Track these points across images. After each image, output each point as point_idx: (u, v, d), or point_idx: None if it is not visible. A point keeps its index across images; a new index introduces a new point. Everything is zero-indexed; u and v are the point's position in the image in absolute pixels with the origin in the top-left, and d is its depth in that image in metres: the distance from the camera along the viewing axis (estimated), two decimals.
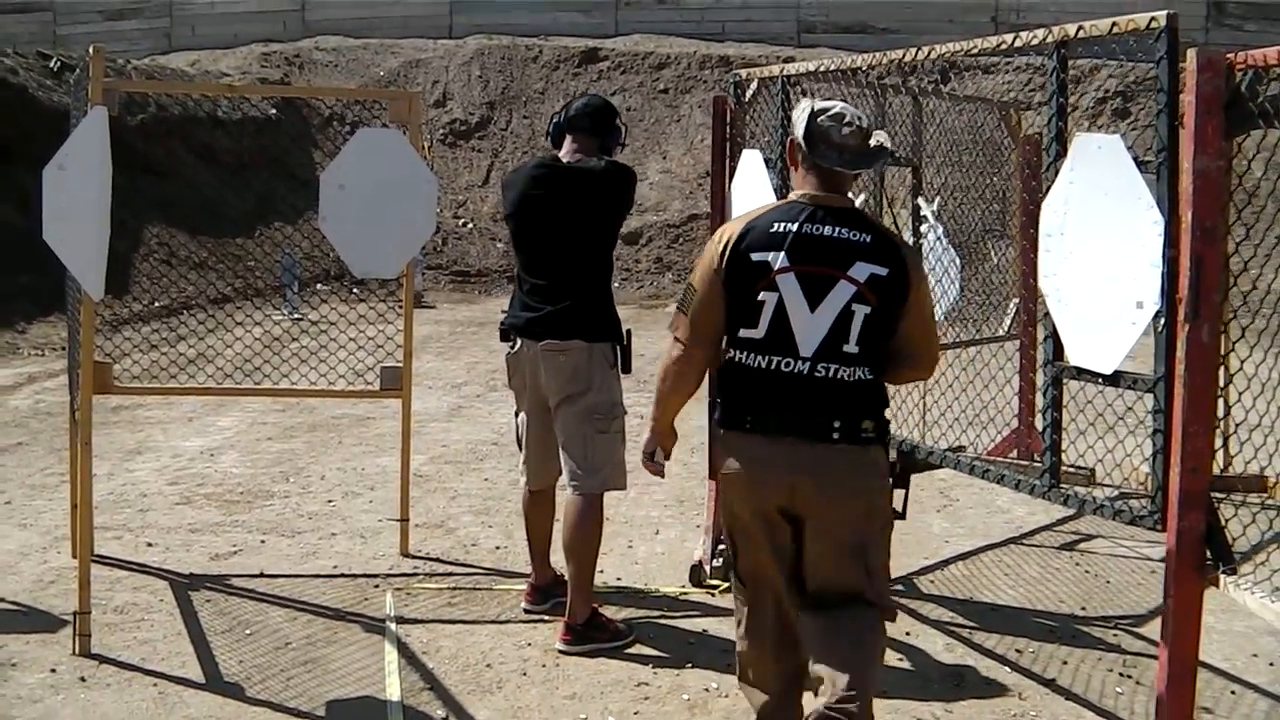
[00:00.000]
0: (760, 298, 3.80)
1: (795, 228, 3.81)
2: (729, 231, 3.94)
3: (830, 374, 3.77)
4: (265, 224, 18.02)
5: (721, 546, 5.83)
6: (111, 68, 19.10)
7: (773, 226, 3.84)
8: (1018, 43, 4.51)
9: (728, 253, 3.86)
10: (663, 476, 4.41)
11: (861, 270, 3.77)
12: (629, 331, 5.32)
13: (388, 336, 7.10)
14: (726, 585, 5.60)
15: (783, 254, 3.79)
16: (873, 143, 3.89)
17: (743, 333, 3.86)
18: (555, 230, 5.23)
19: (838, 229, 3.81)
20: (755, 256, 3.82)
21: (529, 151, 21.64)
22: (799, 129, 3.91)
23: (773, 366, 3.80)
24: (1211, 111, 3.55)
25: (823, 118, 3.88)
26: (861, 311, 3.76)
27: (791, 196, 3.99)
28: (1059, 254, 4.16)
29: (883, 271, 3.78)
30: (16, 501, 7.37)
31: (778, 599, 3.96)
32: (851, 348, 3.77)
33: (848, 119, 3.88)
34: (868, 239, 3.81)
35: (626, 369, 5.33)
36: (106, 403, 10.07)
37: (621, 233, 5.70)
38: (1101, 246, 3.97)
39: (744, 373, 3.87)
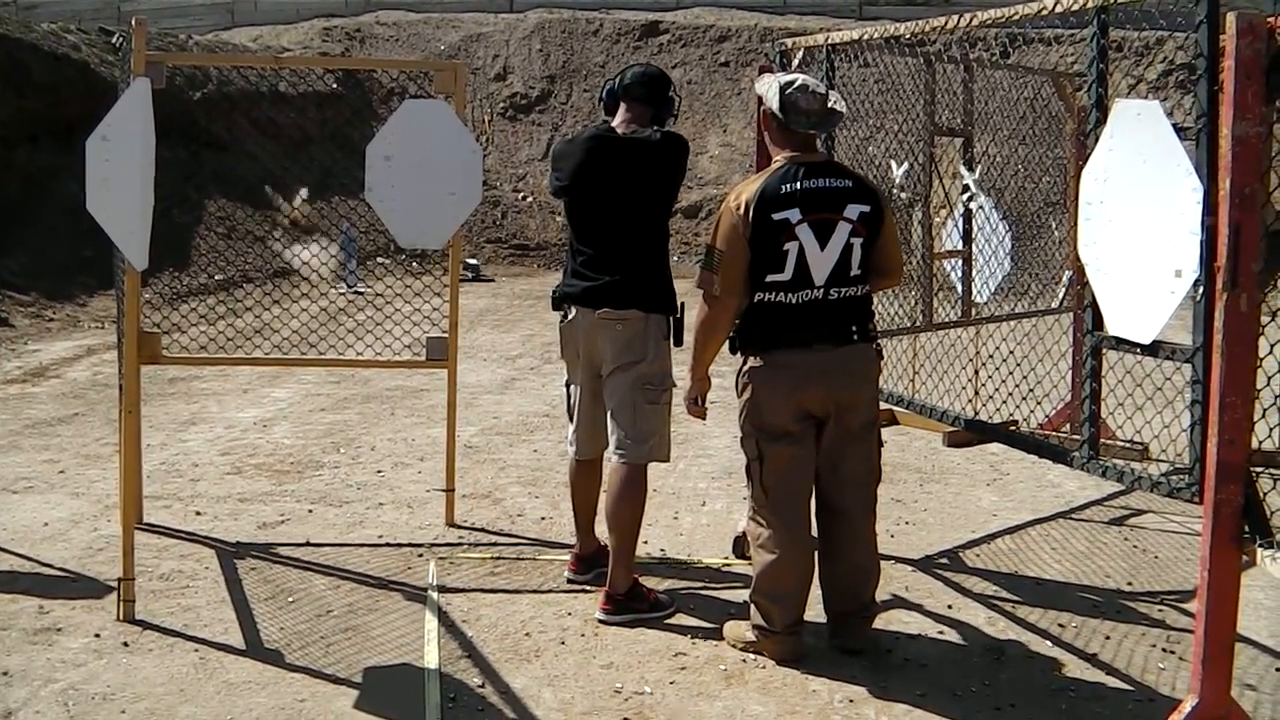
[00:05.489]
0: (785, 248, 4.59)
1: (799, 186, 4.60)
2: (745, 197, 4.65)
3: (841, 294, 4.65)
4: (326, 198, 18.12)
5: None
6: (174, 43, 19.31)
7: (781, 188, 4.61)
8: (1058, 8, 4.43)
9: (750, 215, 4.60)
10: (704, 419, 5.19)
11: (853, 210, 4.63)
12: (682, 304, 5.29)
13: (435, 309, 7.11)
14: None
15: (796, 210, 4.57)
16: (830, 104, 4.70)
17: (770, 277, 4.64)
18: (612, 201, 5.20)
19: (828, 180, 4.64)
20: (776, 216, 4.58)
21: (589, 125, 21.61)
22: (773, 103, 4.69)
23: (799, 301, 4.63)
24: (1251, 77, 3.47)
25: (790, 90, 4.66)
26: (857, 243, 4.64)
27: (779, 160, 4.73)
28: (1098, 223, 4.10)
29: (867, 208, 4.65)
30: (71, 471, 7.47)
31: (802, 494, 4.74)
32: (854, 271, 4.66)
33: (811, 88, 4.69)
34: (850, 184, 4.68)
35: (679, 342, 5.31)
36: (163, 374, 10.24)
37: (681, 206, 5.76)
38: (1140, 214, 3.90)
39: (776, 308, 4.66)
